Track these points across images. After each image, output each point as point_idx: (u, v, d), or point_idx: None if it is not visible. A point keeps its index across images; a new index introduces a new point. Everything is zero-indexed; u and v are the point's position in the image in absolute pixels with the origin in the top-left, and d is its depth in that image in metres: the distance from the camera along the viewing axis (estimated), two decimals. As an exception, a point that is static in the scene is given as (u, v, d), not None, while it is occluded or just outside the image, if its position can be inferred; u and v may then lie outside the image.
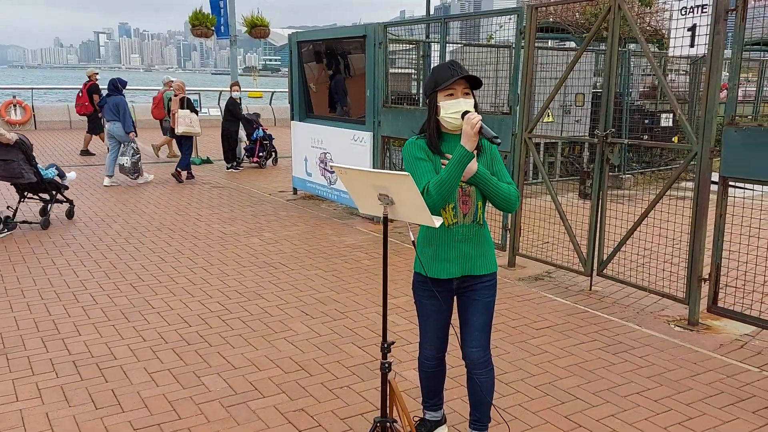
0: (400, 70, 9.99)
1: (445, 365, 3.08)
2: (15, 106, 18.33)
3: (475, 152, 2.64)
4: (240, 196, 9.68)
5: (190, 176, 11.04)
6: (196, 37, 13.41)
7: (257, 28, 13.83)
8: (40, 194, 7.59)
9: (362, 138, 7.87)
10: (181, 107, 10.90)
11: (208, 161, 13.07)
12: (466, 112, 2.61)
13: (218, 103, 20.40)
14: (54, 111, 19.45)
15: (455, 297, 2.92)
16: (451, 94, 2.67)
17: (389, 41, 7.69)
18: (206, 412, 3.40)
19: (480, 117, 2.57)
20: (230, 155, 12.15)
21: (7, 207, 7.66)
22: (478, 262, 2.81)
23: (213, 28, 13.17)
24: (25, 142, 7.11)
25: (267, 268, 5.98)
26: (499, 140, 2.57)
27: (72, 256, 6.20)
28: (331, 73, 8.93)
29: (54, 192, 7.57)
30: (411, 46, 9.85)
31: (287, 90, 10.46)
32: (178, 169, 10.80)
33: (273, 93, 24.38)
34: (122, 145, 10.00)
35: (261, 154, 12.67)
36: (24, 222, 7.44)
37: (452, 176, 2.58)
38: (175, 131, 10.95)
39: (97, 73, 13.74)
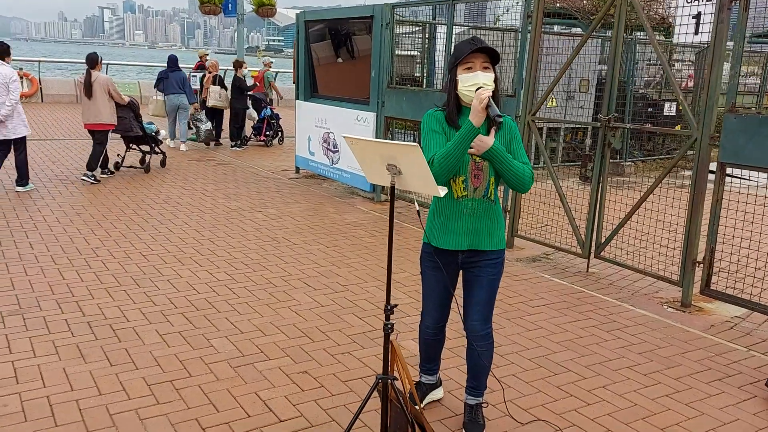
0: (405, 52, 10.06)
1: (445, 334, 3.21)
2: (22, 78, 18.37)
3: (494, 129, 2.70)
4: (244, 173, 9.80)
5: (218, 144, 12.49)
6: (204, 14, 13.44)
7: (264, 7, 13.85)
8: (142, 146, 9.28)
9: (366, 118, 7.98)
10: (213, 83, 12.01)
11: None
12: (479, 87, 2.64)
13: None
14: (61, 84, 19.50)
15: (461, 271, 3.00)
16: (470, 68, 2.70)
17: (396, 22, 7.76)
18: (215, 371, 3.56)
19: (489, 93, 2.60)
20: (236, 133, 12.32)
21: (117, 155, 9.49)
22: (486, 238, 2.86)
23: (221, 6, 13.19)
24: (134, 103, 8.77)
25: (271, 242, 6.13)
26: (500, 119, 2.62)
27: (83, 225, 6.34)
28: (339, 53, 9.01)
29: (153, 145, 9.25)
30: (417, 28, 9.91)
31: (291, 70, 10.56)
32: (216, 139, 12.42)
33: (276, 73, 24.34)
34: (179, 112, 11.44)
35: (268, 133, 12.84)
36: (130, 167, 9.36)
37: (457, 149, 2.65)
38: (206, 104, 12.03)
39: (207, 54, 13.88)
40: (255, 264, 5.46)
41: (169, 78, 11.30)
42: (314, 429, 3.06)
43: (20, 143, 7.52)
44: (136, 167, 9.43)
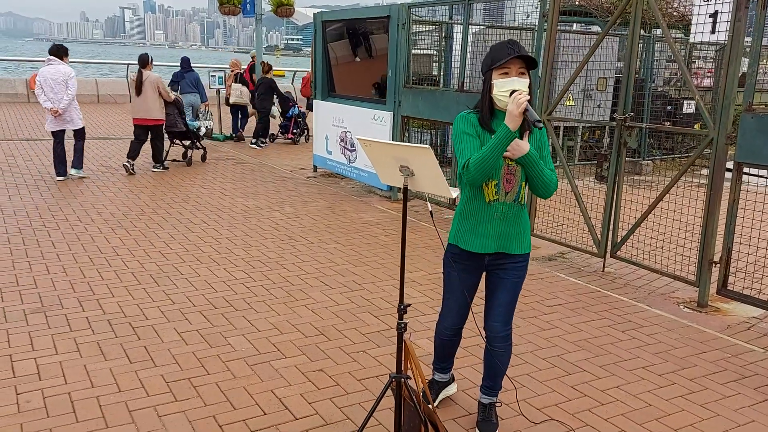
0: (421, 52, 10.08)
1: (461, 335, 3.23)
2: (44, 79, 18.65)
3: (527, 133, 2.70)
4: (262, 172, 9.90)
5: (241, 139, 13.11)
6: (224, 14, 13.57)
7: (283, 7, 13.94)
8: (184, 141, 10.00)
9: (383, 117, 8.01)
10: (235, 81, 12.78)
11: (230, 138, 13.32)
12: (514, 91, 2.61)
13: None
14: (82, 85, 19.75)
15: (484, 273, 3.00)
16: (506, 73, 2.67)
17: (412, 22, 7.79)
18: (232, 369, 3.63)
19: (527, 97, 2.57)
20: (261, 132, 12.58)
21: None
22: (514, 241, 2.86)
23: (240, 6, 13.31)
24: (179, 101, 9.67)
25: (288, 241, 6.19)
26: (541, 124, 2.57)
27: (103, 224, 6.46)
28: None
29: (194, 140, 10.02)
30: (434, 27, 9.92)
31: (310, 69, 10.66)
32: (240, 131, 13.20)
33: (295, 72, 24.49)
34: (192, 110, 11.78)
35: (295, 131, 13.16)
36: (174, 160, 10.04)
37: (493, 154, 2.61)
38: (229, 101, 12.80)
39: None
40: (272, 262, 5.53)
41: (185, 78, 11.94)
42: (329, 427, 3.10)
43: (79, 133, 8.56)
44: (178, 161, 10.10)
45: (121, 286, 4.83)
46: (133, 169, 9.11)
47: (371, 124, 8.20)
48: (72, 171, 8.58)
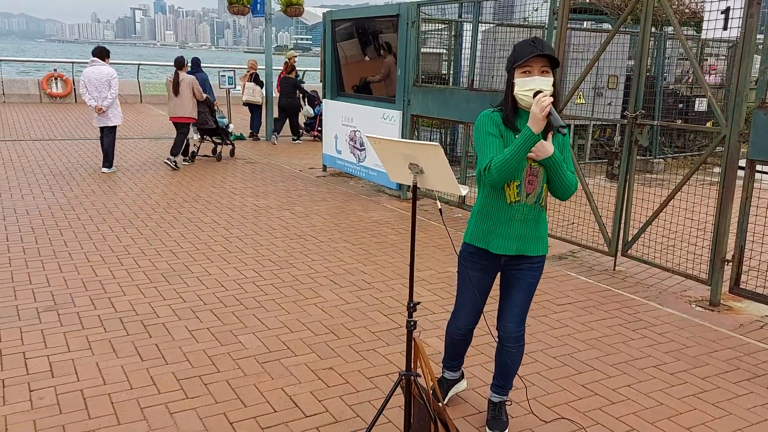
0: (431, 50, 10.06)
1: (473, 335, 3.21)
2: (56, 79, 18.84)
3: (550, 134, 2.65)
4: (272, 171, 9.92)
5: (257, 138, 13.53)
6: (233, 14, 13.62)
7: (292, 7, 13.97)
8: (214, 137, 10.61)
9: (392, 116, 8.01)
10: (250, 80, 13.29)
11: (241, 138, 13.37)
12: (538, 92, 2.55)
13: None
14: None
15: (500, 273, 2.98)
16: (528, 71, 2.62)
17: (422, 21, 7.78)
18: (243, 366, 3.64)
19: (551, 100, 2.51)
20: (294, 129, 13.30)
21: (193, 144, 10.60)
22: (533, 243, 2.83)
23: (249, 6, 13.35)
24: (209, 100, 10.28)
25: (298, 240, 6.21)
26: (565, 130, 2.53)
27: (115, 223, 6.51)
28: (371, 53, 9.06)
29: (223, 137, 10.62)
30: (443, 25, 9.90)
31: (319, 69, 10.71)
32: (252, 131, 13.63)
33: (305, 72, 24.52)
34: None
35: (320, 128, 13.28)
36: (204, 155, 10.75)
37: (515, 157, 2.57)
38: (243, 99, 13.29)
39: (296, 56, 14.48)
40: (282, 261, 5.54)
41: (196, 78, 11.89)
42: (339, 424, 3.11)
43: (111, 130, 9.02)
44: (209, 156, 10.77)
45: (133, 284, 4.86)
46: (185, 162, 10.19)
47: (380, 123, 8.20)
48: (103, 169, 9.17)
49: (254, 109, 13.48)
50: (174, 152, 9.72)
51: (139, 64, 21.98)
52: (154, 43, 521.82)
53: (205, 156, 10.76)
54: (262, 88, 13.36)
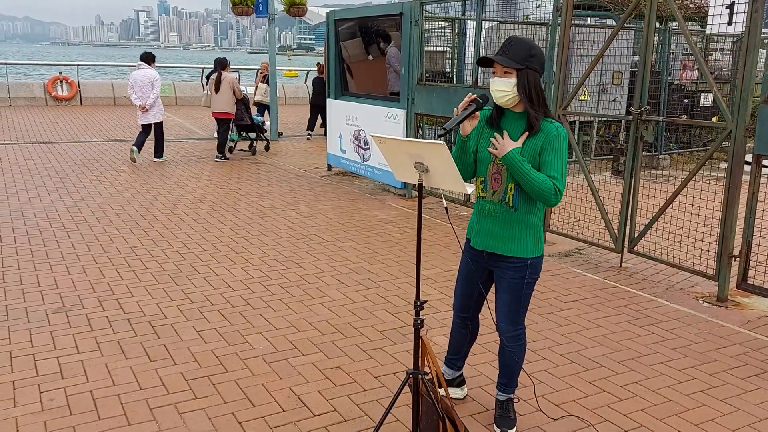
0: (434, 48, 10.05)
1: (471, 330, 3.22)
2: (62, 82, 18.92)
3: (525, 134, 2.68)
4: (277, 172, 9.94)
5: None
6: (237, 15, 13.65)
7: (295, 7, 13.99)
8: (250, 133, 11.51)
9: (396, 115, 8.02)
10: (263, 82, 13.87)
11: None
12: (475, 98, 2.69)
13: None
14: (99, 87, 19.99)
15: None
16: (494, 72, 2.71)
17: (425, 19, 7.77)
18: (251, 366, 3.65)
19: (465, 103, 2.66)
20: (309, 125, 13.96)
21: (230, 139, 11.24)
22: (504, 243, 2.83)
23: (253, 7, 13.38)
24: (246, 97, 11.24)
25: (304, 240, 6.22)
26: (440, 132, 2.73)
27: (122, 225, 6.54)
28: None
29: (259, 133, 11.56)
30: (446, 23, 9.89)
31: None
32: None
33: (308, 72, 24.53)
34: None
35: None
36: (241, 150, 11.63)
37: (455, 151, 2.77)
38: (255, 99, 13.72)
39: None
40: (288, 261, 5.56)
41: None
42: (347, 423, 3.12)
43: (159, 126, 10.16)
44: (245, 151, 11.59)
45: (140, 285, 4.88)
46: (226, 156, 10.83)
47: (385, 121, 8.20)
48: (155, 159, 10.33)
49: (264, 109, 13.95)
50: (220, 149, 10.71)
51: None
52: (158, 44, 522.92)
53: (242, 150, 11.65)
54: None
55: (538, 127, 2.69)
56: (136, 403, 3.24)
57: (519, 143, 2.70)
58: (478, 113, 2.71)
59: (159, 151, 10.38)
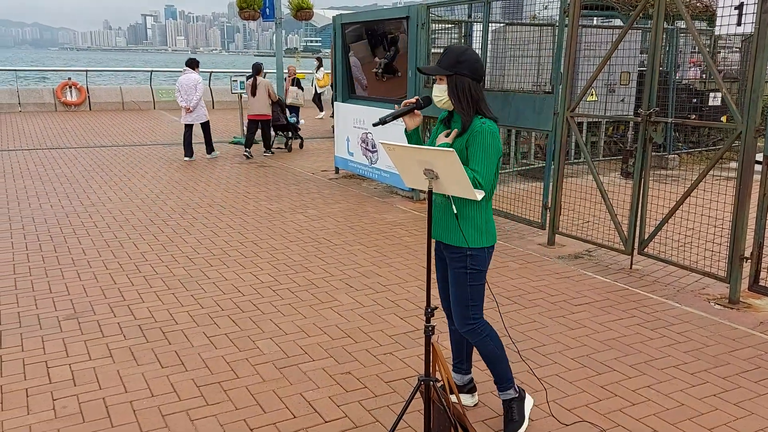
0: (441, 51, 10.04)
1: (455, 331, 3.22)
2: (71, 87, 19.05)
3: (454, 132, 2.85)
4: (285, 175, 9.97)
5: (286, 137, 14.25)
6: (243, 19, 13.69)
7: (302, 11, 14.04)
8: (285, 132, 12.62)
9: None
10: (292, 85, 14.70)
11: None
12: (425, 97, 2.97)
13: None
14: (107, 92, 20.11)
15: None
16: (435, 80, 2.95)
17: (431, 21, 7.77)
18: (261, 372, 3.66)
19: (405, 102, 3.00)
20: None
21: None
22: (449, 233, 2.92)
23: (259, 11, 13.43)
24: (280, 99, 12.33)
25: (312, 243, 6.23)
26: (374, 122, 3.03)
27: (132, 230, 6.57)
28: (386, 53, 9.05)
29: (294, 131, 12.70)
30: (452, 26, 9.87)
31: (330, 71, 10.79)
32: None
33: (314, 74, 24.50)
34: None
35: None
36: (278, 148, 12.59)
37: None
38: (286, 102, 14.09)
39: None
40: (297, 265, 5.57)
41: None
42: (359, 430, 3.12)
43: (206, 125, 11.11)
44: (281, 148, 12.61)
45: (151, 291, 4.90)
46: (251, 154, 11.50)
47: (392, 125, 8.16)
48: (207, 156, 11.32)
49: (294, 110, 14.40)
50: (267, 146, 11.86)
51: (152, 71, 22.16)
52: (165, 48, 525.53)
53: (279, 148, 12.61)
54: (303, 91, 14.86)
55: (467, 125, 2.84)
56: (149, 410, 3.25)
57: (449, 139, 2.86)
58: (418, 111, 2.99)
59: (209, 146, 11.29)
